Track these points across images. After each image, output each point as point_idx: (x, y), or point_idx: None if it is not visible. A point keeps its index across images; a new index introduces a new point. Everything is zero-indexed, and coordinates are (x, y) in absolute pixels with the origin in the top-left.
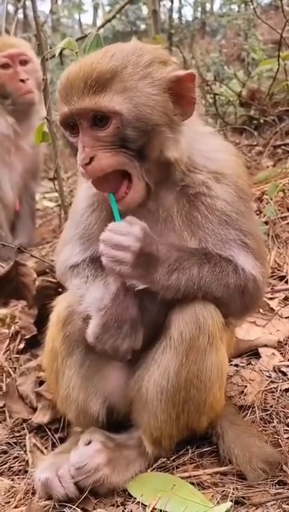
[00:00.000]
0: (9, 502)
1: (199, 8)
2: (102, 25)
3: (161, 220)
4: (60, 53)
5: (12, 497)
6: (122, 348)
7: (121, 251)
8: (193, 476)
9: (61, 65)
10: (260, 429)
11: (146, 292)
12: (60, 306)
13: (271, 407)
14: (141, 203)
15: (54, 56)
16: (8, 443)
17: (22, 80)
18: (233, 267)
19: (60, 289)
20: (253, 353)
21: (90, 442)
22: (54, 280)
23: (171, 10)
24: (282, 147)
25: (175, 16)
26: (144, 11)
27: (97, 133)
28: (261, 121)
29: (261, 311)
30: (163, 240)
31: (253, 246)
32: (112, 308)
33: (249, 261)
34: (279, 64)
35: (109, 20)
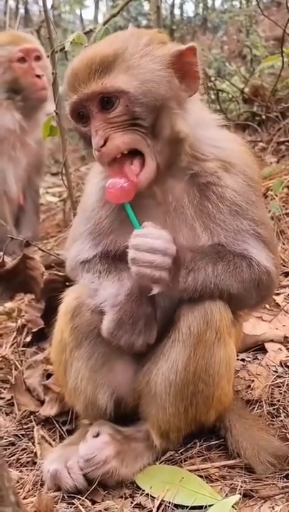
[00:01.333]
0: (18, 493)
1: (201, 4)
2: (108, 20)
3: (171, 211)
4: (63, 49)
5: (21, 488)
6: (137, 343)
7: (158, 255)
8: (201, 469)
9: (66, 60)
10: (267, 423)
11: None
12: (69, 297)
13: (278, 401)
14: (150, 193)
15: (63, 49)
16: (16, 435)
17: (38, 76)
18: (247, 262)
19: (67, 283)
20: (259, 348)
21: (98, 435)
22: (62, 273)
23: (172, 6)
24: (286, 143)
25: (177, 11)
26: (146, 6)
27: (107, 115)
28: (263, 117)
29: (267, 306)
30: (175, 234)
31: (266, 235)
32: (126, 305)
33: (262, 252)
34: (283, 61)
35: (114, 16)
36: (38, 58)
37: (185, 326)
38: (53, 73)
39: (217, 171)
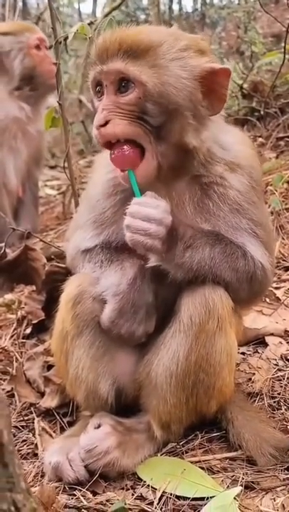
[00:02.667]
0: None
1: (199, 0)
2: (109, 13)
3: (173, 205)
4: (65, 40)
5: None
6: (137, 332)
7: (153, 224)
8: (203, 461)
9: (66, 53)
10: (268, 415)
11: (157, 275)
12: (70, 285)
13: (279, 394)
14: (152, 186)
15: (66, 39)
16: (16, 426)
17: (54, 63)
18: (242, 252)
19: (69, 274)
20: (259, 341)
21: (99, 426)
22: (63, 265)
23: (171, 1)
24: (285, 139)
25: (175, 7)
26: (145, 1)
27: (119, 99)
28: (262, 113)
29: (267, 300)
30: None
31: (263, 236)
32: (129, 294)
33: (258, 250)
34: (284, 57)
35: (115, 8)
36: (47, 48)
37: (186, 316)
38: (55, 63)
39: (222, 173)
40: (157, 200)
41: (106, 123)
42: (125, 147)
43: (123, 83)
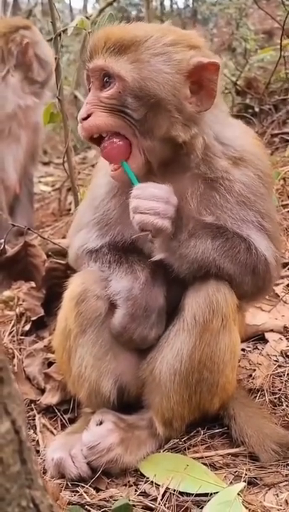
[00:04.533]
0: None
1: None
2: (104, 8)
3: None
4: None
5: None
6: (150, 336)
7: (160, 202)
8: (205, 457)
9: (61, 47)
10: (269, 411)
11: (163, 274)
12: (74, 283)
13: (279, 390)
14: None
15: (65, 31)
16: None
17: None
18: (246, 245)
19: (68, 271)
20: (259, 337)
21: (101, 422)
22: (63, 262)
23: None
24: (280, 136)
25: (167, 3)
26: None
27: (102, 93)
28: (256, 109)
29: (267, 296)
30: None
31: (270, 229)
32: (141, 299)
33: (264, 242)
34: (281, 53)
35: (110, 4)
36: None
37: (190, 314)
38: (55, 58)
39: (227, 168)
40: (158, 184)
41: (88, 116)
42: (114, 139)
43: (106, 79)
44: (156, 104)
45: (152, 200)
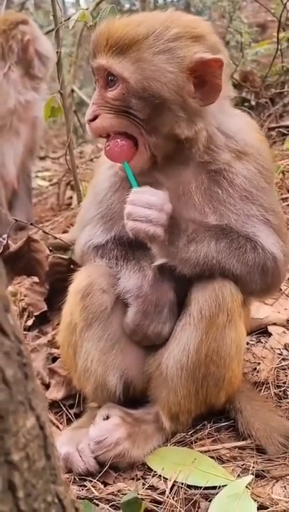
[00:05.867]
0: None
1: None
2: (100, 2)
3: (180, 196)
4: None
5: None
6: (164, 331)
7: (154, 210)
8: (212, 450)
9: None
10: (275, 404)
11: (169, 269)
12: (79, 277)
13: (284, 383)
14: (153, 179)
15: (54, 28)
16: None
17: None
18: (252, 244)
19: (72, 266)
20: (262, 331)
21: (108, 417)
22: (66, 257)
23: None
24: (278, 129)
25: None
26: None
27: (107, 93)
28: (253, 103)
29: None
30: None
31: (275, 222)
32: (152, 295)
33: (270, 238)
34: (278, 47)
35: None
36: None
37: (196, 309)
38: (57, 52)
39: (230, 161)
40: (156, 190)
41: (95, 118)
42: (118, 140)
43: (110, 78)
44: (161, 105)
45: (146, 208)
